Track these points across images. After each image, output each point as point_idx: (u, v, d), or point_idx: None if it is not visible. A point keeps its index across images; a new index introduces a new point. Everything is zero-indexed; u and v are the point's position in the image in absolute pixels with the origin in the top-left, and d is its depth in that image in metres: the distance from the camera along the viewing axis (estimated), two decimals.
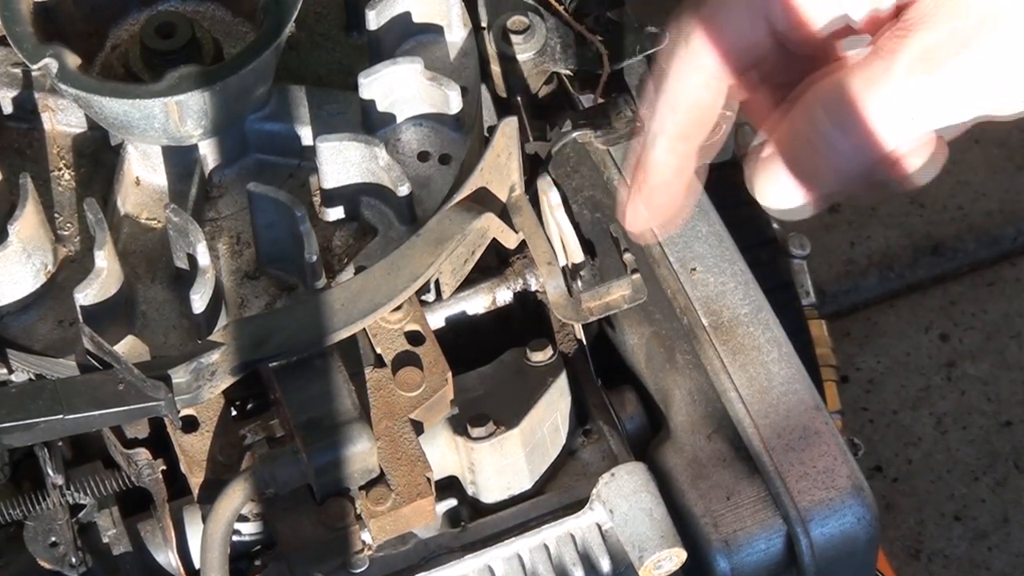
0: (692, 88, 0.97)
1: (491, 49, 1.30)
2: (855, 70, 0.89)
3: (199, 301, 1.10)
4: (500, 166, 1.17)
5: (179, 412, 1.09)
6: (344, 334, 1.11)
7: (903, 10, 0.89)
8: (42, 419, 1.07)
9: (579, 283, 1.16)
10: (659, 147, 0.99)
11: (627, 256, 1.14)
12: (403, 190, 1.14)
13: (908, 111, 0.88)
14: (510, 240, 1.19)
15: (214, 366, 1.09)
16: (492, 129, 1.18)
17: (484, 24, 1.31)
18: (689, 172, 1.00)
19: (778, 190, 0.93)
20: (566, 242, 1.18)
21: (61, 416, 1.07)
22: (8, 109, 1.22)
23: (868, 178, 0.91)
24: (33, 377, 1.16)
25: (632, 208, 1.02)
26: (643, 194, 1.01)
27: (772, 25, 0.94)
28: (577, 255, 1.16)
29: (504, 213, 1.20)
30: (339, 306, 1.11)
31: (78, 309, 1.09)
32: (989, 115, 0.89)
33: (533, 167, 1.27)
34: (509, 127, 1.16)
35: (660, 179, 1.00)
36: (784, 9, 0.93)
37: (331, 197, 1.18)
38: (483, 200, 1.17)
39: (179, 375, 1.08)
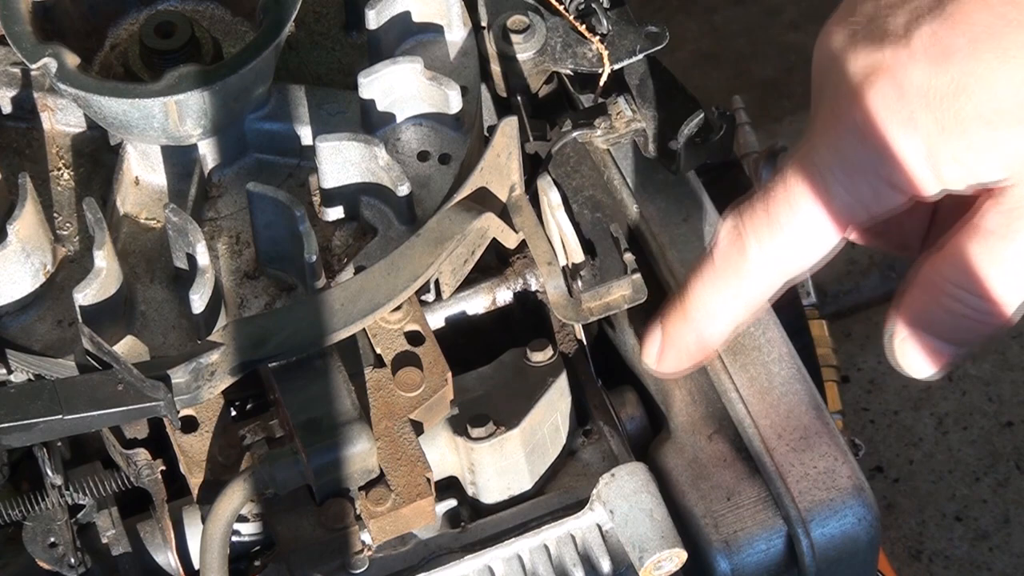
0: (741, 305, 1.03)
1: (491, 48, 1.30)
2: (975, 247, 0.95)
3: (198, 301, 1.09)
4: (500, 166, 1.17)
5: (178, 412, 1.09)
6: (344, 334, 1.10)
7: (998, 192, 0.94)
8: (41, 419, 1.06)
9: (579, 283, 1.16)
10: (717, 337, 1.05)
11: (627, 256, 1.14)
12: (403, 190, 1.14)
13: (1009, 278, 0.95)
14: (510, 240, 1.19)
15: (213, 366, 1.08)
16: (492, 129, 1.18)
17: (484, 23, 1.30)
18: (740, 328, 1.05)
19: (925, 363, 1.00)
20: (566, 242, 1.17)
21: (60, 416, 1.06)
22: (7, 109, 1.22)
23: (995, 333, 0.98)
24: (32, 377, 1.16)
25: (669, 346, 1.07)
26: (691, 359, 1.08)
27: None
28: (577, 255, 1.16)
29: (504, 213, 1.19)
30: (339, 306, 1.10)
31: (77, 309, 1.09)
32: None
33: (533, 167, 1.26)
34: (509, 126, 1.16)
35: (710, 341, 1.06)
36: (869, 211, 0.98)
37: (330, 197, 1.17)
38: (483, 200, 1.17)
39: (178, 375, 1.07)
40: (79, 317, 1.09)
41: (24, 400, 1.07)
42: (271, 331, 1.09)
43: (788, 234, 0.99)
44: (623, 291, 1.14)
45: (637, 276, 1.13)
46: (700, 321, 1.04)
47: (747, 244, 1.00)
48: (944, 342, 0.99)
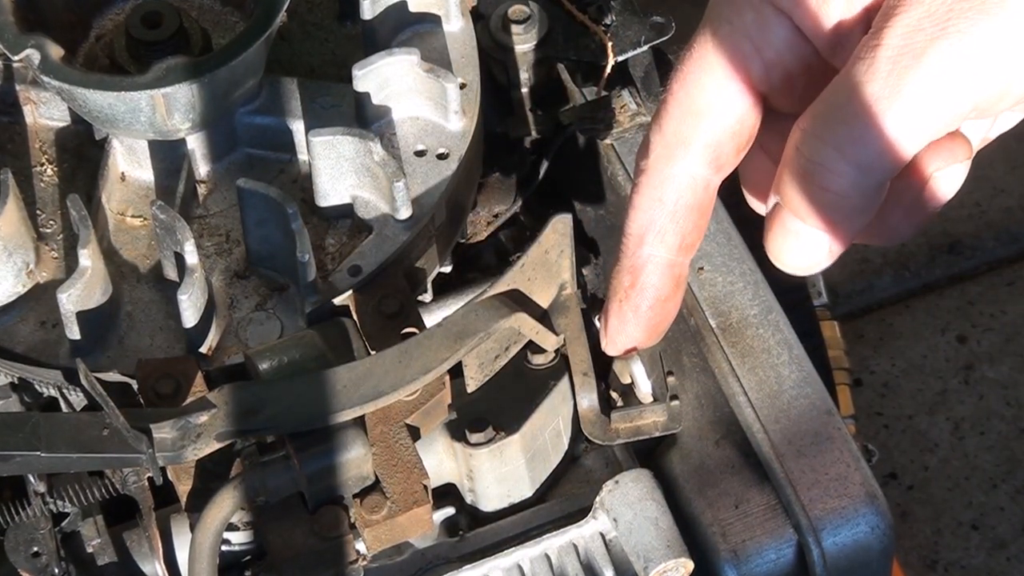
0: (684, 177, 0.88)
1: (491, 39, 1.28)
2: (838, 79, 0.82)
3: (187, 302, 1.08)
4: (549, 263, 1.14)
5: (160, 469, 1.07)
6: (340, 419, 1.07)
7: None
8: (18, 453, 1.04)
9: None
10: (652, 257, 0.90)
11: (670, 379, 1.10)
12: (399, 186, 1.12)
13: (903, 110, 0.80)
14: (548, 342, 1.15)
15: (201, 428, 1.06)
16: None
17: (483, 13, 1.29)
18: (685, 277, 0.92)
19: (792, 246, 0.85)
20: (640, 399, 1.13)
21: (38, 453, 1.04)
22: None
23: (879, 199, 0.83)
24: (16, 381, 1.15)
25: (618, 321, 0.94)
26: (631, 304, 0.93)
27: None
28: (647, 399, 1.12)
29: (545, 315, 1.15)
30: (340, 387, 1.07)
31: (61, 310, 1.08)
32: (983, 108, 0.81)
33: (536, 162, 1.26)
34: (562, 224, 1.12)
35: (654, 293, 0.92)
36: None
37: (324, 194, 1.16)
38: (520, 298, 1.13)
39: (164, 431, 1.05)
40: (64, 319, 1.08)
41: (4, 430, 1.05)
42: (266, 402, 1.07)
43: (688, 103, 0.87)
44: (657, 417, 1.12)
45: (676, 403, 1.09)
46: (633, 258, 0.91)
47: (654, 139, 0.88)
48: (810, 219, 0.84)
